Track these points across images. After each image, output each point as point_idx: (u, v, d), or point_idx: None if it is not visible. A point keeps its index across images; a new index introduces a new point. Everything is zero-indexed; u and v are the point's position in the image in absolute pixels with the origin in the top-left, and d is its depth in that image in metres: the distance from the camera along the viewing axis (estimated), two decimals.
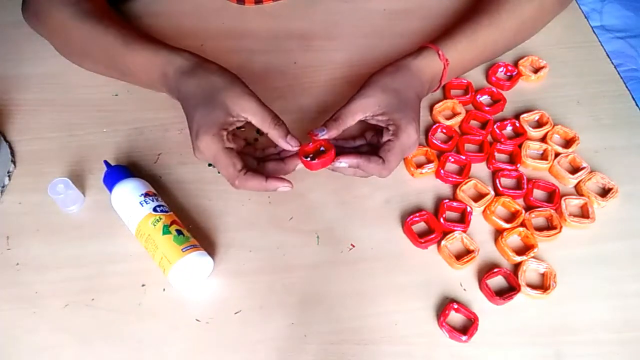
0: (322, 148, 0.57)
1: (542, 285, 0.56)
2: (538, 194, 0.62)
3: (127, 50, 0.62)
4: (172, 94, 0.61)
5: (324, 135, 0.56)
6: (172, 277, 0.53)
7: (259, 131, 0.66)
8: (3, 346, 0.52)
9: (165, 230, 0.54)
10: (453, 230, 0.58)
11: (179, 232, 0.55)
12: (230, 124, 0.56)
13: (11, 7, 0.71)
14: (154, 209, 0.56)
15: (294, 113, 0.68)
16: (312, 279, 0.56)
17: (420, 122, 0.60)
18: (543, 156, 0.64)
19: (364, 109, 0.57)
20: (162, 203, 0.57)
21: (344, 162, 0.56)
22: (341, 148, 0.59)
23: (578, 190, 0.62)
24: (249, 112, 0.56)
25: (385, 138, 0.57)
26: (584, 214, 0.60)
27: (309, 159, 0.56)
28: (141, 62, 0.62)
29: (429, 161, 0.64)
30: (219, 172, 0.63)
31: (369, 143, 0.61)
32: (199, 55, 0.61)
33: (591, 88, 0.71)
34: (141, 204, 0.56)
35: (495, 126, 0.66)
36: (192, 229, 0.59)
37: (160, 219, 0.55)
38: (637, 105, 0.69)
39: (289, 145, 0.56)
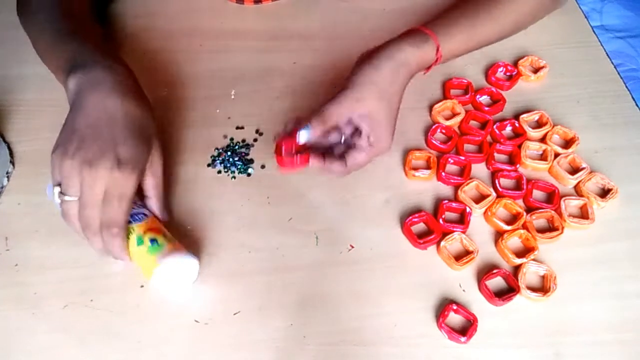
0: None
1: (542, 287, 0.55)
2: (537, 194, 0.62)
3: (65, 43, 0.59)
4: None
5: (308, 135, 0.54)
6: (154, 287, 0.53)
7: (257, 131, 0.66)
8: (2, 346, 0.52)
9: (139, 241, 0.52)
10: (452, 231, 0.58)
11: (153, 240, 0.52)
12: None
13: (11, 7, 0.71)
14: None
15: (293, 113, 0.67)
16: (312, 279, 0.56)
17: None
18: (543, 157, 0.64)
19: (352, 110, 0.55)
20: (137, 210, 0.54)
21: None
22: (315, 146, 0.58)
23: (578, 191, 0.62)
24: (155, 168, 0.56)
25: (360, 142, 0.56)
26: (583, 214, 0.60)
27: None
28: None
29: (429, 167, 0.63)
30: (218, 172, 0.63)
31: (345, 142, 0.58)
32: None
33: (591, 88, 0.71)
34: None
35: (494, 126, 0.66)
36: (190, 229, 0.59)
37: (133, 230, 0.52)
38: (637, 105, 0.69)
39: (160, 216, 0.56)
